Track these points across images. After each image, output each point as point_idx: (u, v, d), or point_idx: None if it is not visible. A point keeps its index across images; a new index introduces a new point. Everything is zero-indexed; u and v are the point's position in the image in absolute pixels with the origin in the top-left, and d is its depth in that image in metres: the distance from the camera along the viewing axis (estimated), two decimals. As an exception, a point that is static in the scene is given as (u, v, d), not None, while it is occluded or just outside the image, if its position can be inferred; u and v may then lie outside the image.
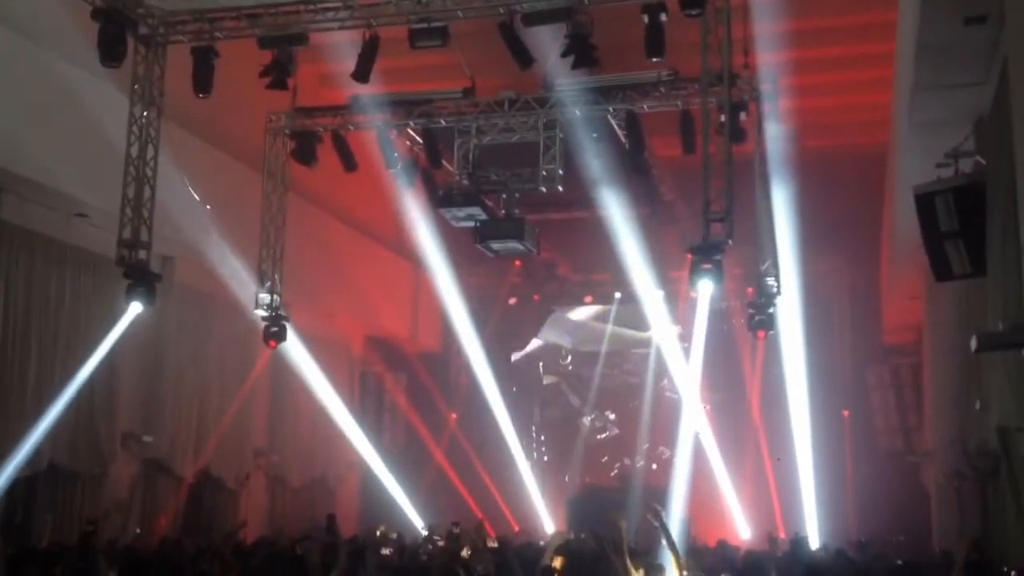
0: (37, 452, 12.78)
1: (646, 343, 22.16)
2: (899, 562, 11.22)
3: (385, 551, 11.56)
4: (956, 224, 9.44)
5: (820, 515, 17.69)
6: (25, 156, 11.97)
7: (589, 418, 23.53)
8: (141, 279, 12.56)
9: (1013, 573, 8.35)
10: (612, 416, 23.50)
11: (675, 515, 14.61)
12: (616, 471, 23.01)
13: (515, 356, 23.93)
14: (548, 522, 21.05)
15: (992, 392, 9.67)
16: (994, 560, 9.46)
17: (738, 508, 19.21)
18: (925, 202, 9.60)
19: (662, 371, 21.31)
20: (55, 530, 13.22)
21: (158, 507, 15.78)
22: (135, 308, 12.70)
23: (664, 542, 8.16)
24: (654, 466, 22.14)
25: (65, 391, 12.90)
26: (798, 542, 12.17)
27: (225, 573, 8.95)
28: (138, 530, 14.93)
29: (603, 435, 23.57)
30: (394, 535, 15.98)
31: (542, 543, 13.58)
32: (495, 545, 11.18)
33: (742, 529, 19.00)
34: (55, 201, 13.16)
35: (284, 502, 19.05)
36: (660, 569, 8.00)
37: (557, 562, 9.16)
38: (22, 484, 12.94)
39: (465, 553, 10.21)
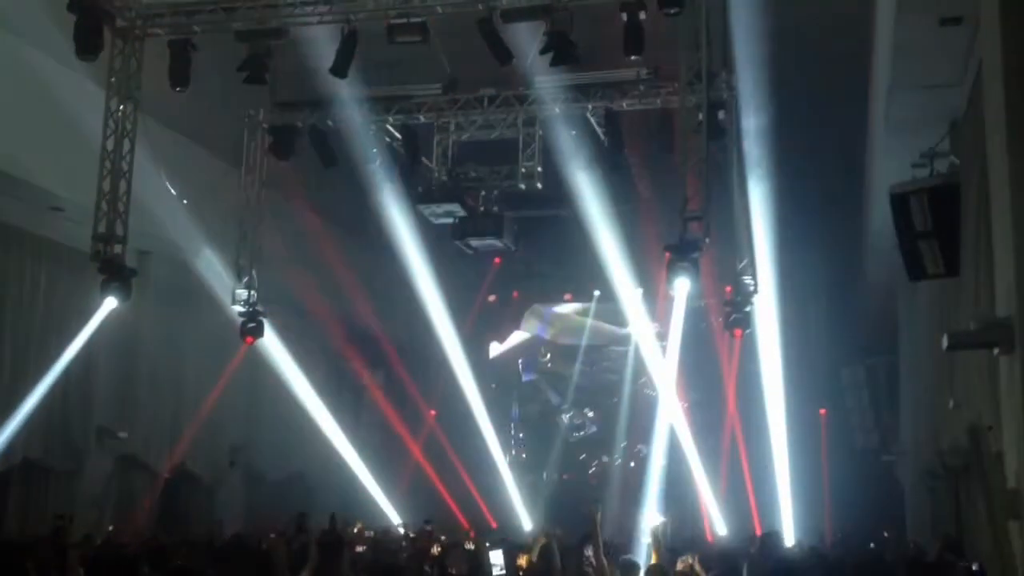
0: (10, 447, 12.70)
1: (625, 340, 22.21)
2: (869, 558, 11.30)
3: (359, 548, 11.51)
4: (930, 224, 9.48)
5: (796, 513, 17.77)
6: (-1, 149, 11.87)
7: (567, 415, 23.56)
8: (116, 274, 12.49)
9: (975, 566, 8.42)
10: (591, 413, 23.55)
11: (651, 512, 14.64)
12: (594, 468, 23.05)
13: (494, 352, 23.94)
14: (525, 519, 21.06)
15: (965, 391, 9.75)
16: (966, 558, 9.54)
17: (714, 505, 19.27)
18: (900, 202, 9.64)
19: (641, 369, 21.35)
20: (28, 524, 13.16)
21: (133, 503, 15.69)
22: (110, 303, 12.62)
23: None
24: (632, 464, 22.19)
25: (39, 386, 12.82)
26: (770, 537, 12.21)
27: (198, 570, 8.90)
28: (111, 527, 14.84)
29: (581, 432, 23.62)
30: (370, 532, 15.94)
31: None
32: (471, 546, 11.15)
33: (718, 526, 19.05)
34: (30, 195, 13.05)
35: (260, 498, 18.97)
36: (635, 567, 8.03)
37: (523, 560, 9.16)
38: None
39: (436, 550, 10.19)
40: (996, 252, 7.30)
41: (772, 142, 13.20)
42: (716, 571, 9.09)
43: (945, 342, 6.84)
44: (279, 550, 6.98)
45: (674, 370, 15.13)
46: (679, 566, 8.63)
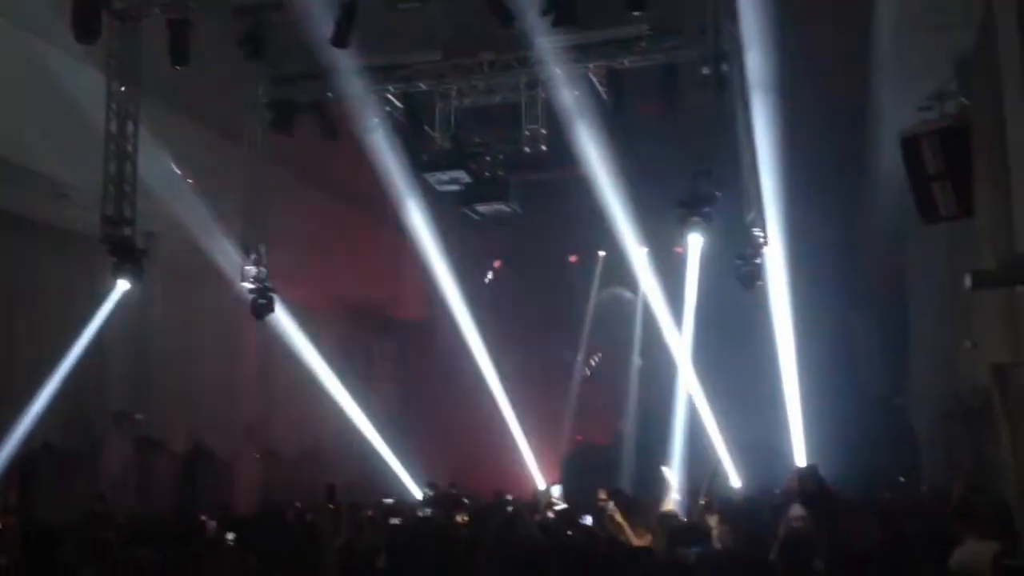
0: (31, 433, 12.76)
1: (633, 300, 22.22)
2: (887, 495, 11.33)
3: (394, 520, 11.55)
4: (942, 166, 9.52)
5: (809, 461, 17.82)
6: (2, 137, 11.80)
7: (581, 376, 23.62)
8: (127, 256, 12.49)
9: None
10: (602, 373, 23.60)
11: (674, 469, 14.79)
12: (609, 428, 23.12)
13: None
14: (540, 480, 21.16)
15: (983, 331, 9.79)
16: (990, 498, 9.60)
17: (728, 459, 19.32)
18: (911, 145, 9.68)
19: (652, 327, 21.33)
20: (54, 508, 13.29)
21: (153, 483, 15.81)
22: (122, 286, 12.62)
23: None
24: (646, 422, 22.24)
25: (56, 372, 12.82)
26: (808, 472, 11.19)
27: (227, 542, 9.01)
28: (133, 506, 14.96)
29: (595, 393, 23.66)
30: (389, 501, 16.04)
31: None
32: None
33: (734, 479, 19.13)
34: (35, 182, 13.00)
35: (278, 474, 19.07)
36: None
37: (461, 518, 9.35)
38: (18, 465, 12.95)
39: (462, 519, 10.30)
40: (1014, 190, 7.32)
41: (777, 91, 13.09)
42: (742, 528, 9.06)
43: (968, 281, 6.88)
44: (325, 524, 7.04)
45: (691, 327, 15.13)
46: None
